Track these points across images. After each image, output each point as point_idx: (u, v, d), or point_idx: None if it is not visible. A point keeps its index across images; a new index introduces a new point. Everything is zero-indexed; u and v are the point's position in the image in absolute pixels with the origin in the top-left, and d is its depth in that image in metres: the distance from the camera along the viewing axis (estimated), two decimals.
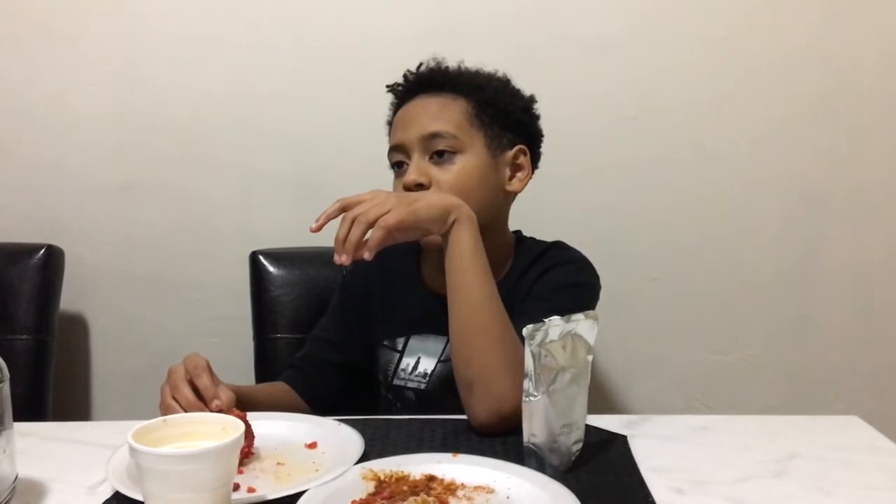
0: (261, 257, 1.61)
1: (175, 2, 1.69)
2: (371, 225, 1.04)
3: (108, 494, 0.90)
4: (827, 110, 1.70)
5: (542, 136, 1.33)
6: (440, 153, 1.21)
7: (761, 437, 1.08)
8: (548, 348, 0.93)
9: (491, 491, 0.88)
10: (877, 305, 1.77)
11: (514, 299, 1.20)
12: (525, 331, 0.93)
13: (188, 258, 1.77)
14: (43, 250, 1.63)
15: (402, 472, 0.91)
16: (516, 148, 1.27)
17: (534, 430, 0.95)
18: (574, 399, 0.95)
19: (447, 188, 1.18)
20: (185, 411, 0.99)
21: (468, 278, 1.10)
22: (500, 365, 1.05)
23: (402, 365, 1.28)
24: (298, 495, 0.85)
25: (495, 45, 1.65)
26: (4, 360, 0.87)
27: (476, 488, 0.89)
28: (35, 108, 1.72)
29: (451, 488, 0.88)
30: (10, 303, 1.59)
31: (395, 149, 1.25)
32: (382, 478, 0.89)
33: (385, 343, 1.31)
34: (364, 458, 0.95)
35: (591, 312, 0.97)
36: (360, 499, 0.86)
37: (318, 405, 1.24)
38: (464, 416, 1.08)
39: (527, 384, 0.94)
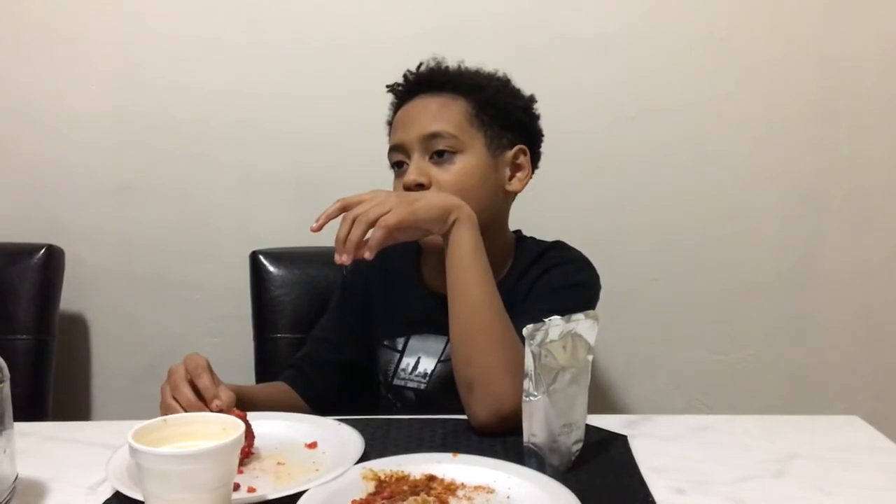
0: (261, 257, 1.61)
1: (175, 2, 1.69)
2: (371, 225, 1.04)
3: (108, 494, 0.90)
4: (827, 110, 1.70)
5: (542, 136, 1.33)
6: (440, 153, 1.21)
7: (761, 437, 1.08)
8: (548, 348, 0.93)
9: (491, 491, 0.88)
10: (877, 305, 1.77)
11: (515, 299, 1.20)
12: (525, 331, 0.93)
13: (188, 258, 1.77)
14: (43, 250, 1.63)
15: (403, 471, 0.91)
16: (516, 148, 1.27)
17: (534, 429, 0.95)
18: (574, 399, 0.95)
19: (447, 188, 1.18)
20: (186, 411, 0.99)
21: (468, 278, 1.10)
22: (501, 365, 1.05)
23: (403, 365, 1.28)
24: (299, 495, 0.85)
25: (495, 45, 1.65)
26: (5, 359, 0.87)
27: (476, 488, 0.89)
28: (35, 108, 1.72)
29: (451, 488, 0.88)
30: (10, 303, 1.59)
31: (395, 149, 1.25)
32: (383, 478, 0.90)
33: (385, 343, 1.31)
34: (364, 457, 0.95)
35: (591, 312, 0.97)
36: (361, 499, 0.86)
37: (319, 405, 1.24)
38: (464, 416, 1.08)
39: (527, 384, 0.94)
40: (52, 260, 1.64)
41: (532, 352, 0.93)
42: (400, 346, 1.29)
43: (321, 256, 1.56)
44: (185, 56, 1.70)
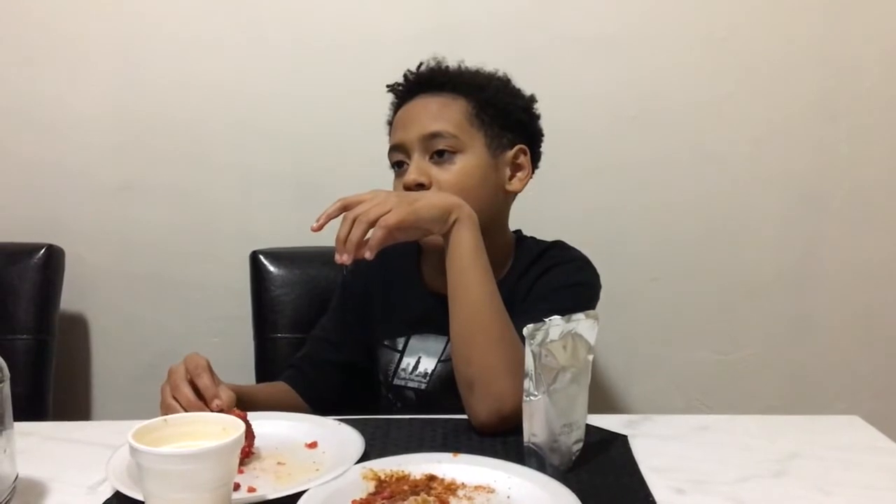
0: (261, 257, 1.61)
1: (175, 2, 1.69)
2: (372, 224, 1.04)
3: (108, 494, 0.90)
4: (827, 110, 1.70)
5: (542, 135, 1.33)
6: (440, 153, 1.21)
7: (762, 436, 1.08)
8: (548, 348, 0.93)
9: (491, 491, 0.88)
10: (877, 305, 1.77)
11: (515, 299, 1.20)
12: (525, 330, 0.93)
13: (188, 258, 1.77)
14: (43, 250, 1.63)
15: (403, 471, 0.91)
16: (516, 148, 1.27)
17: (534, 429, 0.95)
18: (574, 399, 0.95)
19: (447, 188, 1.18)
20: (186, 411, 0.99)
21: (469, 278, 1.10)
22: (501, 364, 1.05)
23: (403, 365, 1.28)
24: (299, 495, 0.85)
25: (495, 45, 1.65)
26: (5, 359, 0.87)
27: (476, 488, 0.89)
28: (35, 108, 1.72)
29: (451, 488, 0.88)
30: (10, 302, 1.59)
31: (395, 148, 1.25)
32: (383, 477, 0.89)
33: (385, 343, 1.31)
34: (364, 457, 0.95)
35: (591, 312, 0.97)
36: (361, 498, 0.86)
37: (319, 405, 1.24)
38: (464, 416, 1.08)
39: (527, 384, 0.94)
40: (52, 260, 1.64)
41: (532, 351, 0.93)
42: (400, 346, 1.29)
43: (321, 256, 1.56)
44: (185, 56, 1.70)
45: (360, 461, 0.93)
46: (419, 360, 1.27)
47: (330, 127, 1.72)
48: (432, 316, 1.23)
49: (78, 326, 1.79)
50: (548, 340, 0.93)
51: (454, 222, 1.10)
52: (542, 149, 1.34)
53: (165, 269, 1.77)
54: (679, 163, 1.72)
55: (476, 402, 1.06)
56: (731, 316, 1.77)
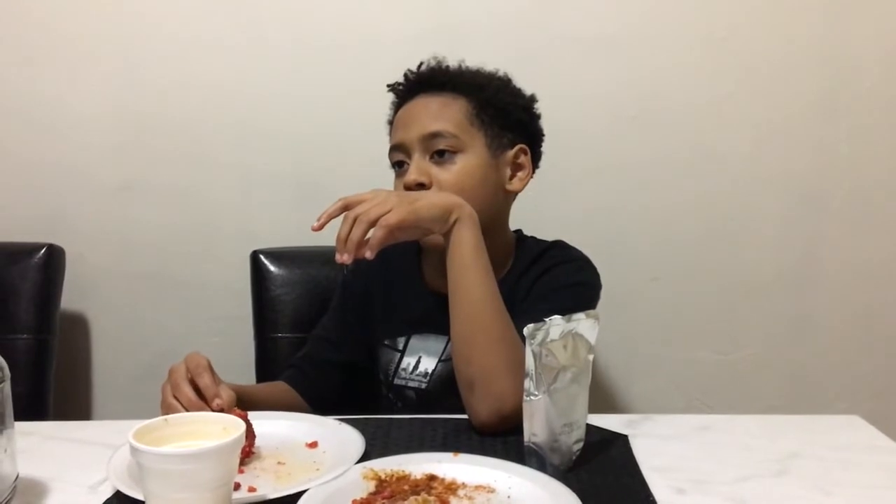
0: (261, 257, 1.61)
1: (175, 2, 1.69)
2: (372, 224, 1.04)
3: (109, 494, 0.90)
4: (827, 110, 1.70)
5: (542, 135, 1.33)
6: (441, 153, 1.21)
7: (762, 436, 1.08)
8: (549, 347, 0.93)
9: (492, 490, 0.88)
10: (877, 305, 1.77)
11: (515, 298, 1.20)
12: (526, 330, 0.93)
13: (189, 258, 1.77)
14: (44, 250, 1.63)
15: (403, 471, 0.91)
16: (517, 147, 1.27)
17: (535, 429, 0.95)
18: (575, 398, 0.95)
19: (448, 188, 1.18)
20: (187, 410, 0.99)
21: (469, 277, 1.10)
22: (501, 364, 1.05)
23: (403, 364, 1.28)
24: (299, 495, 0.85)
25: (495, 45, 1.65)
26: (5, 359, 0.87)
27: (477, 488, 0.89)
28: (35, 108, 1.72)
29: (451, 488, 0.88)
30: (11, 302, 1.59)
31: (395, 148, 1.25)
32: (383, 477, 0.90)
33: (386, 342, 1.31)
34: (365, 457, 0.95)
35: (591, 312, 0.97)
36: (361, 498, 0.86)
37: (319, 405, 1.24)
38: (465, 416, 1.08)
39: (528, 383, 0.94)
40: (53, 259, 1.64)
41: (533, 351, 0.93)
42: (401, 346, 1.29)
43: (322, 256, 1.56)
44: (185, 56, 1.70)
45: (360, 461, 0.93)
46: (420, 360, 1.27)
47: (330, 127, 1.72)
48: (433, 315, 1.23)
49: (78, 326, 1.79)
50: (548, 340, 0.93)
51: (455, 222, 1.10)
52: (543, 149, 1.34)
53: (166, 268, 1.77)
54: (679, 163, 1.72)
55: (476, 401, 1.06)
56: (731, 316, 1.77)
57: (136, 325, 1.79)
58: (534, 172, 1.30)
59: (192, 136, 1.73)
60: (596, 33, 1.68)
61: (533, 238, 1.34)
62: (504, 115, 1.25)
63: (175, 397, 1.02)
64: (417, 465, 0.92)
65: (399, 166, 1.26)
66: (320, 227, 1.06)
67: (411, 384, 1.27)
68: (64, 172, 1.74)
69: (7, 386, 0.86)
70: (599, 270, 1.28)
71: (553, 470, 0.93)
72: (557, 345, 0.93)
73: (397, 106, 1.31)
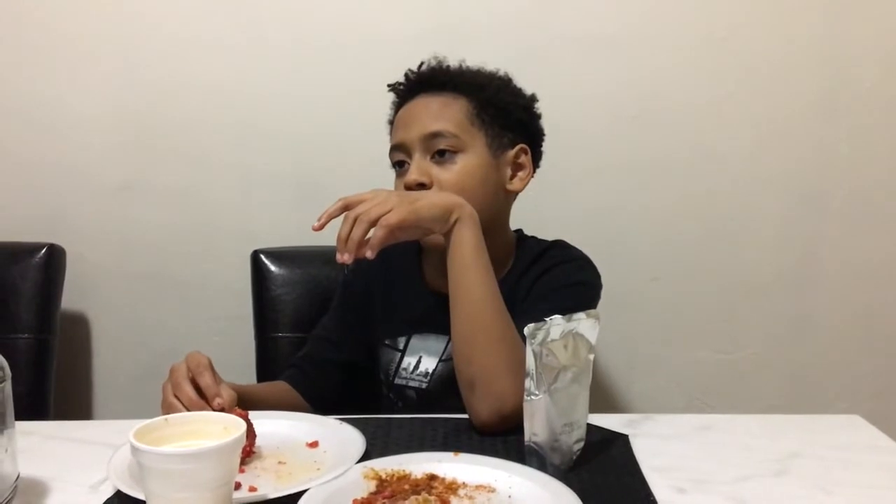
0: (262, 256, 1.61)
1: (175, 2, 1.69)
2: (373, 224, 1.04)
3: (109, 493, 0.90)
4: (827, 110, 1.70)
5: (543, 135, 1.33)
6: (441, 152, 1.21)
7: (762, 436, 1.08)
8: (549, 347, 0.93)
9: (492, 490, 0.88)
10: (877, 305, 1.77)
11: (515, 298, 1.20)
12: (526, 330, 0.93)
13: (189, 257, 1.77)
14: (44, 249, 1.63)
15: (404, 471, 0.91)
16: (517, 147, 1.27)
17: (535, 429, 0.95)
18: (575, 398, 0.95)
19: (448, 188, 1.18)
20: (187, 410, 0.99)
21: (470, 277, 1.10)
22: (502, 364, 1.05)
23: (404, 364, 1.28)
24: (300, 494, 0.85)
25: (495, 44, 1.65)
26: (6, 358, 0.87)
27: (477, 487, 0.89)
28: (35, 108, 1.72)
29: (452, 487, 0.88)
30: (11, 302, 1.59)
31: (396, 148, 1.25)
32: (384, 477, 0.90)
33: (386, 342, 1.31)
34: (365, 457, 0.95)
35: (592, 311, 0.97)
36: (362, 498, 0.86)
37: (320, 404, 1.24)
38: (465, 416, 1.08)
39: (528, 383, 0.94)
40: (54, 259, 1.64)
41: (533, 351, 0.93)
42: (401, 346, 1.29)
43: (322, 256, 1.56)
44: (185, 56, 1.70)
45: (361, 460, 0.93)
46: (420, 360, 1.27)
47: (330, 127, 1.72)
48: (433, 315, 1.23)
49: (79, 326, 1.79)
50: (549, 340, 0.93)
51: (455, 222, 1.10)
52: (543, 148, 1.34)
53: (166, 268, 1.77)
54: (679, 163, 1.72)
55: (477, 401, 1.06)
56: (732, 316, 1.77)
57: (137, 325, 1.79)
58: (534, 172, 1.30)
59: (192, 136, 1.73)
60: (596, 33, 1.68)
61: (533, 238, 1.34)
62: (504, 115, 1.25)
63: (176, 396, 1.02)
64: (418, 464, 0.92)
65: (399, 166, 1.26)
66: (321, 227, 1.06)
67: (412, 384, 1.27)
68: (64, 172, 1.74)
69: (8, 385, 0.86)
70: (600, 270, 1.28)
71: (554, 470, 0.93)
72: (558, 344, 0.93)
73: (398, 106, 1.31)
